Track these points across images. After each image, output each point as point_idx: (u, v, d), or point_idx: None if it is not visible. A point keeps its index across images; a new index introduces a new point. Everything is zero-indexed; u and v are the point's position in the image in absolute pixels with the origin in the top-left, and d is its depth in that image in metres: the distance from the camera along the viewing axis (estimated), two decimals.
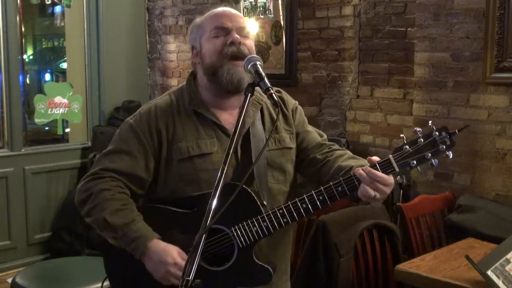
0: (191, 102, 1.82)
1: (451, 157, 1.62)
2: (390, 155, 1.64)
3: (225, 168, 1.47)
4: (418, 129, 1.64)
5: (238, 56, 1.75)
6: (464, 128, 1.68)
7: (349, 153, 1.86)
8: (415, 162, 1.62)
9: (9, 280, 3.44)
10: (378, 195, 1.61)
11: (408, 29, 3.69)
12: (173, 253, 1.66)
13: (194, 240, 1.37)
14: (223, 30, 1.78)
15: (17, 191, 4.53)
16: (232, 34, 1.77)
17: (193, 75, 1.90)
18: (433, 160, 1.62)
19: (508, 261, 2.28)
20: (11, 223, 4.51)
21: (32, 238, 4.65)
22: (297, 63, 4.33)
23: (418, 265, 2.49)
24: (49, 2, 4.88)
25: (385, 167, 1.63)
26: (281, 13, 4.40)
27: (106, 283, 1.90)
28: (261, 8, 4.50)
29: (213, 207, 1.42)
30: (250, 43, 1.82)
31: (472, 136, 3.30)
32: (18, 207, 4.54)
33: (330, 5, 4.09)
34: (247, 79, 1.72)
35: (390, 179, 1.63)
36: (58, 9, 5.22)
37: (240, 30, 1.80)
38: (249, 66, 1.66)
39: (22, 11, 4.61)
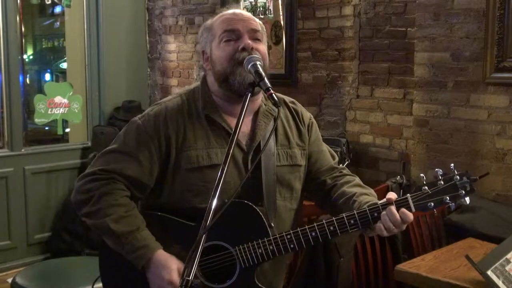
0: (205, 107, 1.76)
1: (468, 203, 1.61)
2: (408, 195, 1.62)
3: (225, 168, 1.45)
4: (439, 170, 1.62)
5: None
6: (485, 175, 1.70)
7: (357, 179, 1.84)
8: (432, 204, 1.61)
9: (9, 280, 3.44)
10: (387, 234, 1.61)
11: (408, 29, 3.69)
12: (172, 270, 1.62)
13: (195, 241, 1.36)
14: (234, 33, 1.71)
15: (17, 191, 4.53)
16: (243, 39, 1.70)
17: (206, 79, 1.84)
18: (451, 204, 1.61)
19: (508, 261, 2.27)
20: (11, 223, 4.51)
21: (32, 238, 4.65)
22: (297, 63, 4.33)
23: (418, 265, 2.49)
24: (49, 2, 4.88)
25: (402, 206, 1.61)
26: (281, 13, 4.40)
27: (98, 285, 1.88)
28: (261, 8, 4.50)
29: (213, 207, 1.40)
30: (263, 48, 1.75)
31: (472, 136, 3.30)
32: (18, 207, 4.54)
33: (330, 5, 4.09)
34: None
35: (409, 216, 1.60)
36: (58, 9, 5.22)
37: (252, 33, 1.72)
38: (249, 66, 1.64)
39: (22, 11, 4.61)
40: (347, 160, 3.78)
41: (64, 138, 5.07)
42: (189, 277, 1.31)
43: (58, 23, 5.44)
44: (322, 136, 1.98)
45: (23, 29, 4.70)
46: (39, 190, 4.66)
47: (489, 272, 2.18)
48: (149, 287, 1.69)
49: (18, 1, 4.52)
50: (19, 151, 4.58)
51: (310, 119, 1.91)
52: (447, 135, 3.41)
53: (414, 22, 3.56)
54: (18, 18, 4.52)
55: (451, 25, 3.35)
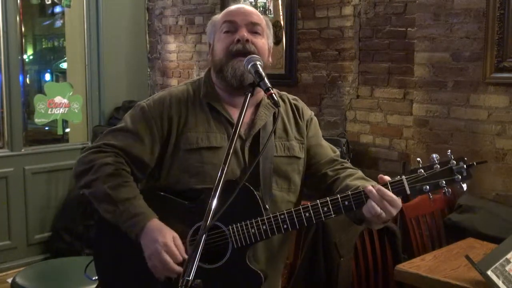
0: (206, 95, 1.81)
1: (465, 189, 1.58)
2: (403, 176, 1.60)
3: (225, 168, 1.46)
4: (435, 155, 1.61)
5: (243, 53, 1.72)
6: (483, 162, 1.67)
7: (360, 172, 1.83)
8: (428, 187, 1.59)
9: (9, 280, 3.44)
10: (384, 215, 1.58)
11: (408, 29, 3.69)
12: (166, 235, 1.63)
13: (195, 240, 1.36)
14: (232, 25, 1.76)
15: (17, 191, 4.53)
16: (240, 31, 1.75)
17: (210, 70, 1.89)
18: (446, 189, 1.59)
19: (508, 261, 2.28)
20: (11, 223, 4.51)
21: (32, 238, 4.64)
22: (297, 63, 4.33)
23: (418, 265, 2.49)
24: (49, 2, 4.88)
25: (397, 187, 1.60)
26: (281, 13, 4.40)
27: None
28: (261, 8, 4.51)
29: (213, 206, 1.41)
30: (262, 42, 1.78)
31: (472, 136, 3.30)
32: (18, 207, 4.54)
33: (330, 5, 4.09)
34: (249, 76, 1.69)
35: (398, 200, 1.59)
36: (58, 9, 5.22)
37: (251, 26, 1.76)
38: (249, 66, 1.65)
39: (22, 11, 4.60)
40: (347, 160, 3.78)
41: (64, 138, 5.07)
42: (189, 277, 1.31)
43: (58, 23, 5.43)
44: (322, 136, 1.98)
45: (23, 29, 4.70)
46: (39, 190, 4.65)
47: (489, 272, 2.18)
48: (141, 271, 1.70)
49: (18, 1, 4.52)
50: (19, 151, 4.58)
51: (310, 116, 1.93)
52: (447, 135, 3.41)
53: (414, 22, 3.57)
54: (18, 18, 4.52)
55: (451, 25, 3.35)
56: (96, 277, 1.88)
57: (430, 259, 2.58)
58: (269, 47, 1.83)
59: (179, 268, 1.61)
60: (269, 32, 1.83)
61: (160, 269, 1.62)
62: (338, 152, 1.94)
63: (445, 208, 3.30)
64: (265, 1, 4.49)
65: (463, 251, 2.62)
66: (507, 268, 2.24)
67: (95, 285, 2.74)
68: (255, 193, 1.68)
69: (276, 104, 1.58)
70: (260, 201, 1.68)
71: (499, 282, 2.16)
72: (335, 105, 4.13)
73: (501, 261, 2.26)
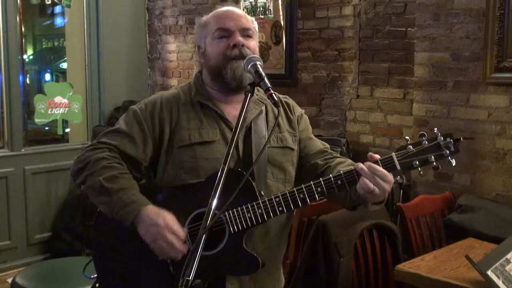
0: (197, 94, 1.86)
1: (453, 164, 1.62)
2: (393, 153, 1.64)
3: (225, 168, 1.47)
4: (424, 133, 1.65)
5: (240, 58, 1.78)
6: (469, 138, 1.71)
7: (349, 160, 1.87)
8: (417, 162, 1.63)
9: (9, 280, 3.44)
10: (377, 190, 1.60)
11: (408, 29, 3.69)
12: (166, 216, 1.65)
13: (195, 235, 1.36)
14: (226, 31, 1.82)
15: (17, 191, 4.53)
16: (234, 37, 1.81)
17: (200, 72, 1.94)
18: (435, 164, 1.62)
19: (508, 261, 2.28)
20: (11, 223, 4.51)
21: (32, 238, 4.65)
22: (297, 63, 4.33)
23: (418, 265, 2.49)
24: (49, 2, 4.87)
25: (387, 164, 1.63)
26: (281, 13, 4.40)
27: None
28: (261, 8, 4.51)
29: (213, 206, 1.42)
30: (254, 44, 1.85)
31: (472, 136, 3.30)
32: (18, 207, 4.54)
33: (330, 5, 4.10)
34: (248, 76, 1.74)
35: (390, 175, 1.63)
36: (58, 9, 5.22)
37: (243, 31, 1.83)
38: (249, 66, 1.68)
39: (22, 11, 4.61)
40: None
41: (64, 138, 5.07)
42: (189, 277, 1.31)
43: (58, 23, 5.44)
44: (321, 136, 2.01)
45: (23, 29, 4.70)
46: (39, 190, 4.66)
47: (489, 272, 2.18)
48: (141, 268, 1.73)
49: (18, 1, 4.52)
50: (19, 151, 4.58)
51: (300, 112, 1.98)
52: None
53: (414, 22, 3.57)
54: (18, 18, 4.52)
55: (451, 25, 3.35)
56: (95, 275, 1.90)
57: (430, 259, 2.58)
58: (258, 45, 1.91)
59: (184, 247, 1.63)
60: (256, 32, 1.90)
61: (166, 250, 1.63)
62: (327, 145, 1.98)
63: (445, 208, 3.30)
64: (265, 1, 4.49)
65: (463, 251, 2.62)
66: (507, 268, 2.25)
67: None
68: (249, 178, 1.69)
69: (276, 104, 1.60)
70: (255, 186, 1.70)
71: (499, 282, 2.16)
72: (335, 105, 4.13)
73: (501, 261, 2.26)
